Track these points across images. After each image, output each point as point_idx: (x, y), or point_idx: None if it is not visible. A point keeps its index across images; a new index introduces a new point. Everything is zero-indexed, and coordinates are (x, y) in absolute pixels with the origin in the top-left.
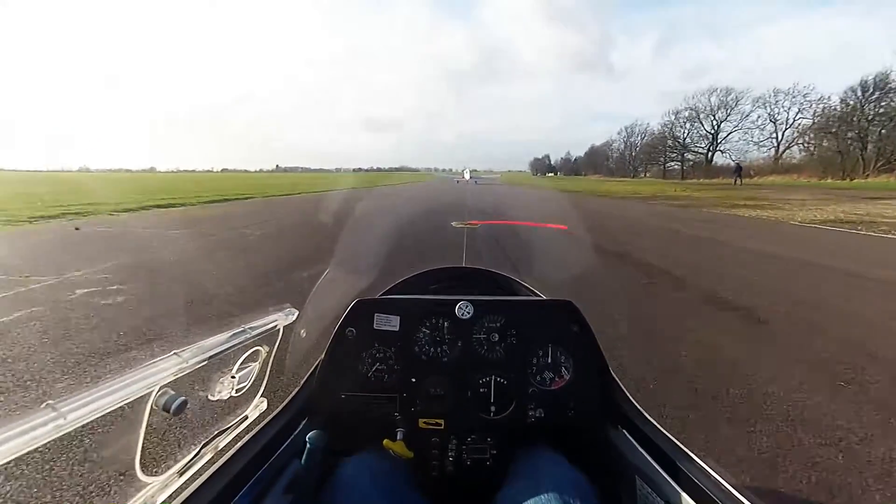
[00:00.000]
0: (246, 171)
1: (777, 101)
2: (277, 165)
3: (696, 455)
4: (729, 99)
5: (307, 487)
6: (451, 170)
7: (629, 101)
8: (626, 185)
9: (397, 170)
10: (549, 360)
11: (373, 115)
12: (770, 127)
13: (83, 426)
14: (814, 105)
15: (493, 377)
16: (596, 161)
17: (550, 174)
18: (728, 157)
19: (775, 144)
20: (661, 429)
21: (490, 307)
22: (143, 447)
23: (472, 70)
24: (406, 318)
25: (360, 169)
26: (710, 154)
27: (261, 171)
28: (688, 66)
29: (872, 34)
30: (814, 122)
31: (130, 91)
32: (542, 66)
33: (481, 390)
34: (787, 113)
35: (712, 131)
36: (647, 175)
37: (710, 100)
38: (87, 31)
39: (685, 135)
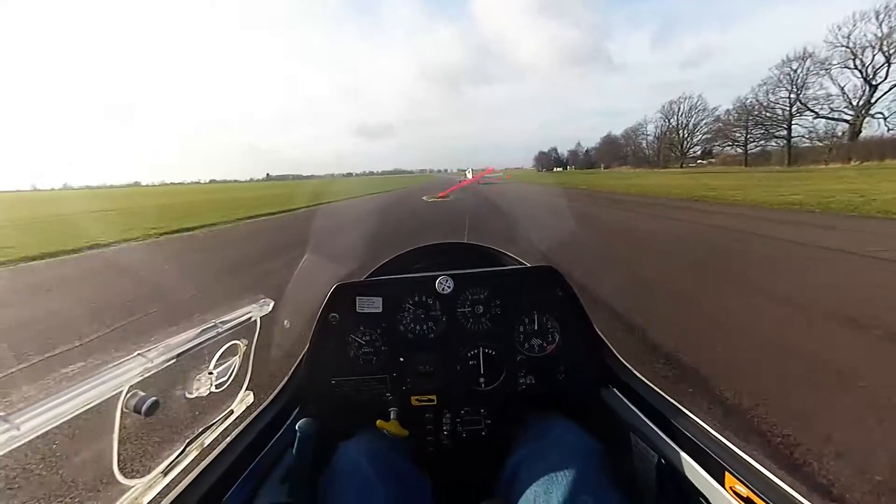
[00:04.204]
0: (236, 181)
1: None
2: (268, 174)
3: (684, 408)
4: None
5: (303, 475)
6: (446, 170)
7: (631, 96)
8: (782, 186)
9: (391, 173)
10: (536, 327)
11: (365, 120)
12: None
13: (65, 433)
14: None
15: (480, 349)
16: (617, 151)
17: (558, 169)
18: (883, 125)
19: None
20: (651, 384)
21: (471, 280)
22: (121, 450)
23: (466, 69)
24: (388, 299)
25: (350, 174)
26: (858, 122)
27: (252, 180)
28: (689, 56)
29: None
30: None
31: (112, 102)
32: (537, 63)
33: (470, 363)
34: None
35: (866, 82)
36: (694, 164)
37: (880, 29)
38: (66, 42)
39: (797, 97)
